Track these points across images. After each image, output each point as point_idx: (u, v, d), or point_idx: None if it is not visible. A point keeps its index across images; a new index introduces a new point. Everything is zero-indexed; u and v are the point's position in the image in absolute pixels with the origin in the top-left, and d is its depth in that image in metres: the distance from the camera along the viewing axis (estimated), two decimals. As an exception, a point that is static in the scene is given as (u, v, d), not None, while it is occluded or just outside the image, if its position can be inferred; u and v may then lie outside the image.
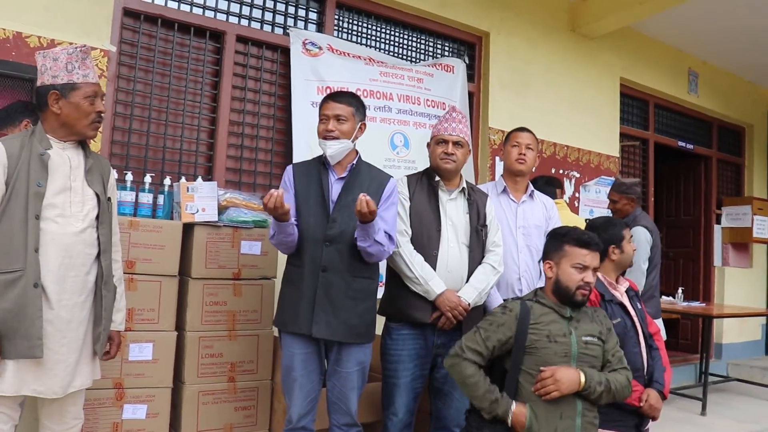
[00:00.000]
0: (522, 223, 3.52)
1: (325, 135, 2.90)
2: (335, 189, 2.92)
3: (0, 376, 2.32)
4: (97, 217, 2.51)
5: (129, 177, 3.49)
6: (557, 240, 2.69)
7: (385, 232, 2.84)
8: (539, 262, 2.88)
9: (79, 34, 3.69)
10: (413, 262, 3.04)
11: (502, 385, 2.56)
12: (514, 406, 2.50)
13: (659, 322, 4.33)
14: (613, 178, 6.18)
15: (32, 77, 3.50)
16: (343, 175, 2.94)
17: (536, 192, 3.68)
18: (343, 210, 2.84)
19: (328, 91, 4.28)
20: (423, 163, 4.25)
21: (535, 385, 2.50)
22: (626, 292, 3.06)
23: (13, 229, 2.32)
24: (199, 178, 3.58)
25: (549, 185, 4.43)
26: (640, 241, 4.42)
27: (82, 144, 2.55)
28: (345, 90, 3.17)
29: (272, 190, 2.61)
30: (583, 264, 2.60)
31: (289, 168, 3.02)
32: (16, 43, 3.52)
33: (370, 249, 2.79)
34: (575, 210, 5.98)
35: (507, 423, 2.49)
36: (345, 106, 2.92)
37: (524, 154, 3.57)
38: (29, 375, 2.35)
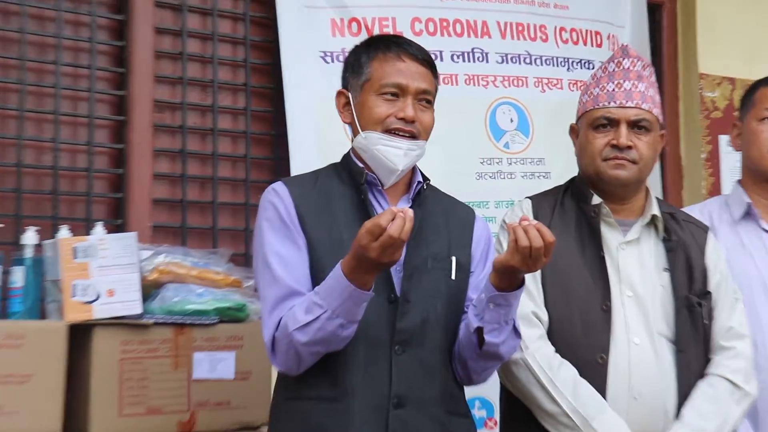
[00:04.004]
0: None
1: (395, 127, 2.78)
2: None
3: None
4: None
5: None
6: None
7: None
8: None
9: None
10: (555, 379, 2.97)
11: None
12: None
13: None
14: None
15: None
16: (405, 203, 2.89)
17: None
18: (420, 275, 2.74)
19: (355, 27, 4.48)
20: (560, 165, 4.52)
21: None
22: None
23: None
24: (98, 226, 3.55)
25: None
26: None
27: None
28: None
29: (394, 208, 2.43)
30: None
31: (280, 188, 2.86)
32: None
33: (503, 349, 2.74)
34: None
35: None
36: (431, 73, 2.88)
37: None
38: None
